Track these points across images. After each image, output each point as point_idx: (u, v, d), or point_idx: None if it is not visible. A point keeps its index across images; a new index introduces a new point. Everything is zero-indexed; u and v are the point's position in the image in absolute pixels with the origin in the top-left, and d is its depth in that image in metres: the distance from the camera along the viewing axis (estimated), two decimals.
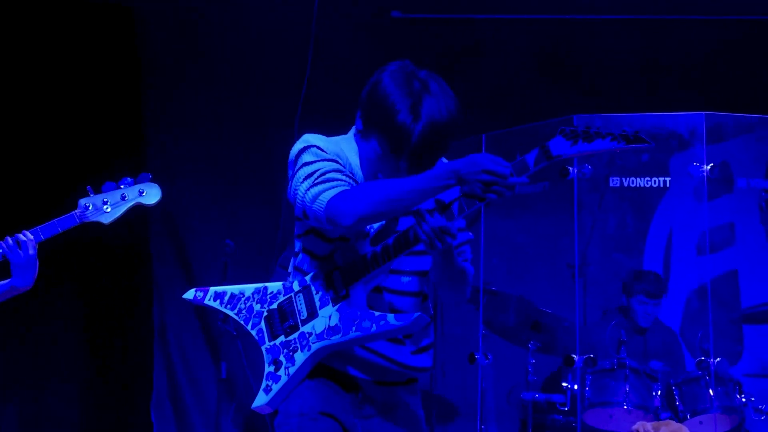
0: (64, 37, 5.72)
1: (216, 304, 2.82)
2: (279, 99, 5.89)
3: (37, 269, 3.42)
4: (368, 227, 2.66)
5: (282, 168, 5.47)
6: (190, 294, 2.86)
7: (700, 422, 4.93)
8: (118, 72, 5.85)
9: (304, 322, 2.68)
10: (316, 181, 2.60)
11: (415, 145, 2.59)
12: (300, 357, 2.66)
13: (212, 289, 2.84)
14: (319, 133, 2.75)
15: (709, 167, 5.03)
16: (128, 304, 5.90)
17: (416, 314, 2.61)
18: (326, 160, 2.64)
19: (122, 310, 5.86)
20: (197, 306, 2.87)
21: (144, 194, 3.50)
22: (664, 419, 4.69)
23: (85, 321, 5.77)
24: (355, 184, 2.63)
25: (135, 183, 3.51)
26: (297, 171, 2.65)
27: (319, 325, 2.66)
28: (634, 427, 4.38)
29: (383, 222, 2.66)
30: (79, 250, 5.30)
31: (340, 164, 2.65)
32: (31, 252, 3.38)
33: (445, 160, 2.69)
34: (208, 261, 5.87)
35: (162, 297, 6.03)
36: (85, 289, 5.74)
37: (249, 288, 2.80)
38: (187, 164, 6.02)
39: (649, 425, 4.35)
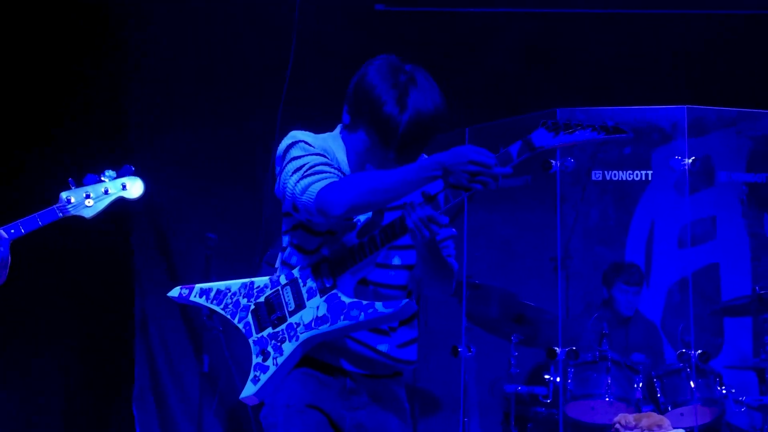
0: (44, 30, 5.68)
1: (202, 301, 2.83)
2: (261, 92, 5.88)
3: (9, 264, 3.36)
4: (355, 219, 2.70)
5: (265, 160, 5.44)
6: (175, 292, 2.86)
7: (681, 414, 4.97)
8: (99, 64, 5.82)
9: (292, 314, 2.71)
10: (305, 174, 2.64)
11: (403, 136, 2.64)
12: (288, 347, 2.68)
13: (197, 286, 2.85)
14: (302, 127, 2.79)
15: (690, 161, 5.06)
16: (110, 297, 5.88)
17: (404, 301, 2.65)
18: (314, 154, 2.68)
19: (104, 303, 5.84)
20: (182, 303, 2.87)
21: (127, 188, 3.47)
22: (646, 411, 4.72)
23: (67, 315, 5.74)
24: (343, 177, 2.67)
25: (118, 176, 3.47)
26: (285, 166, 2.69)
27: (306, 315, 2.68)
28: (616, 419, 4.40)
29: (369, 215, 2.70)
30: (60, 243, 5.28)
31: (328, 158, 2.69)
32: (1, 249, 3.32)
33: (425, 155, 2.73)
34: (190, 254, 5.86)
35: (144, 290, 6.01)
36: (66, 283, 5.71)
37: (235, 283, 2.82)
38: (170, 157, 6.00)
39: (630, 417, 4.37)
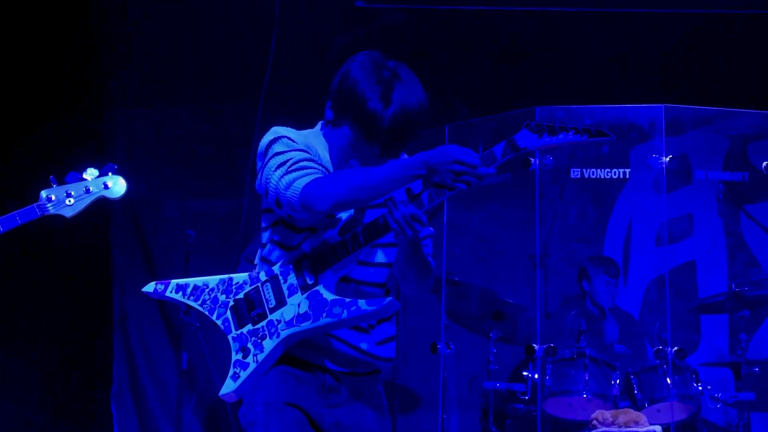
0: (20, 19, 5.64)
1: (178, 297, 2.81)
2: (241, 87, 5.86)
3: None
4: (337, 216, 2.70)
5: (245, 156, 5.42)
6: (150, 287, 2.84)
7: (658, 410, 5.00)
8: (78, 60, 5.78)
9: (273, 310, 2.70)
10: (289, 169, 2.63)
11: (387, 132, 2.65)
12: (269, 344, 2.67)
13: (173, 281, 2.83)
14: (282, 123, 2.78)
15: (668, 159, 5.10)
16: (88, 293, 5.86)
17: (388, 299, 2.65)
18: (298, 150, 2.68)
19: (82, 299, 5.81)
20: (158, 299, 2.85)
21: (109, 187, 3.44)
22: (623, 407, 4.75)
23: (45, 312, 5.71)
24: (327, 173, 2.67)
25: (100, 175, 3.44)
26: (268, 161, 2.68)
27: (288, 312, 2.68)
28: (593, 415, 4.42)
29: (351, 213, 2.70)
30: (39, 239, 5.25)
31: (311, 154, 2.69)
32: None
33: (405, 154, 2.74)
34: (169, 251, 5.84)
35: (122, 287, 5.99)
36: (44, 279, 5.68)
37: (213, 279, 2.80)
38: (148, 152, 5.97)
39: (608, 413, 4.39)
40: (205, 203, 5.98)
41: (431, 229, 2.81)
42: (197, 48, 5.98)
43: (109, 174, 3.41)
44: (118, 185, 3.42)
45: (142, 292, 2.85)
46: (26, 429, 5.59)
